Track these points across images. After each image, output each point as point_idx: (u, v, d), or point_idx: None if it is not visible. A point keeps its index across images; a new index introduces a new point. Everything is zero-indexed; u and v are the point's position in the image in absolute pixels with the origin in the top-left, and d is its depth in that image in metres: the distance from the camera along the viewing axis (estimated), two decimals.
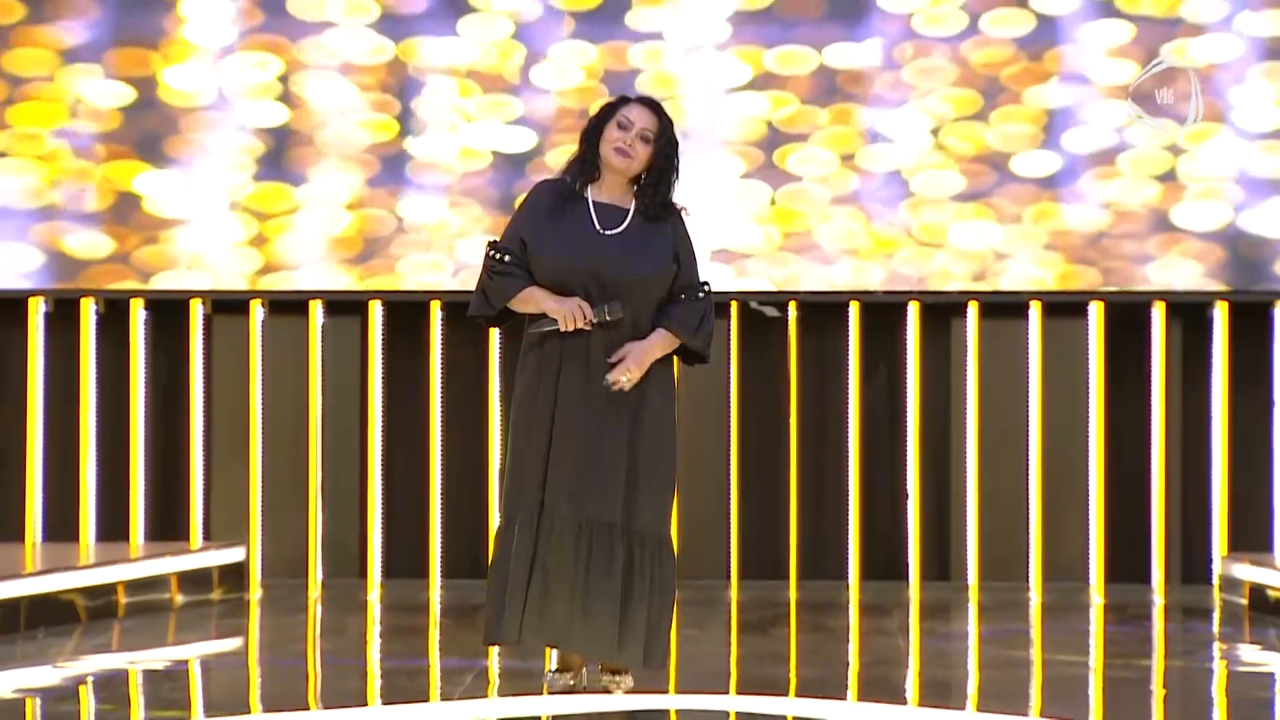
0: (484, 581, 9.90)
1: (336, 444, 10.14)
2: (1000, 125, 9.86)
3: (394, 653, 8.55)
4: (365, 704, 7.22)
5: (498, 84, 9.82)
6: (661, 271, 6.79)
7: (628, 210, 6.81)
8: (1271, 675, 7.99)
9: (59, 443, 10.08)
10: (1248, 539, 10.04)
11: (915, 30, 9.83)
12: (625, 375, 6.68)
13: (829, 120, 9.85)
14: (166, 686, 7.73)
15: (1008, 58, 9.82)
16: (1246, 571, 9.55)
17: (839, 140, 9.86)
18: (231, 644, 8.75)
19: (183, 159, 9.81)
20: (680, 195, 6.88)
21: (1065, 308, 10.07)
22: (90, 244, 9.84)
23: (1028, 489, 10.11)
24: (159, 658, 8.29)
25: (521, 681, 7.31)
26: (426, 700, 7.22)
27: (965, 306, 10.07)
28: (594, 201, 6.81)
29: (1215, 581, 9.95)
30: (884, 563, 10.14)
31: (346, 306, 10.12)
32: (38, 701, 7.29)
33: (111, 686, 7.64)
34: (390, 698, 7.31)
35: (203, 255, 9.88)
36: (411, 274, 9.89)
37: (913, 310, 10.07)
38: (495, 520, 9.90)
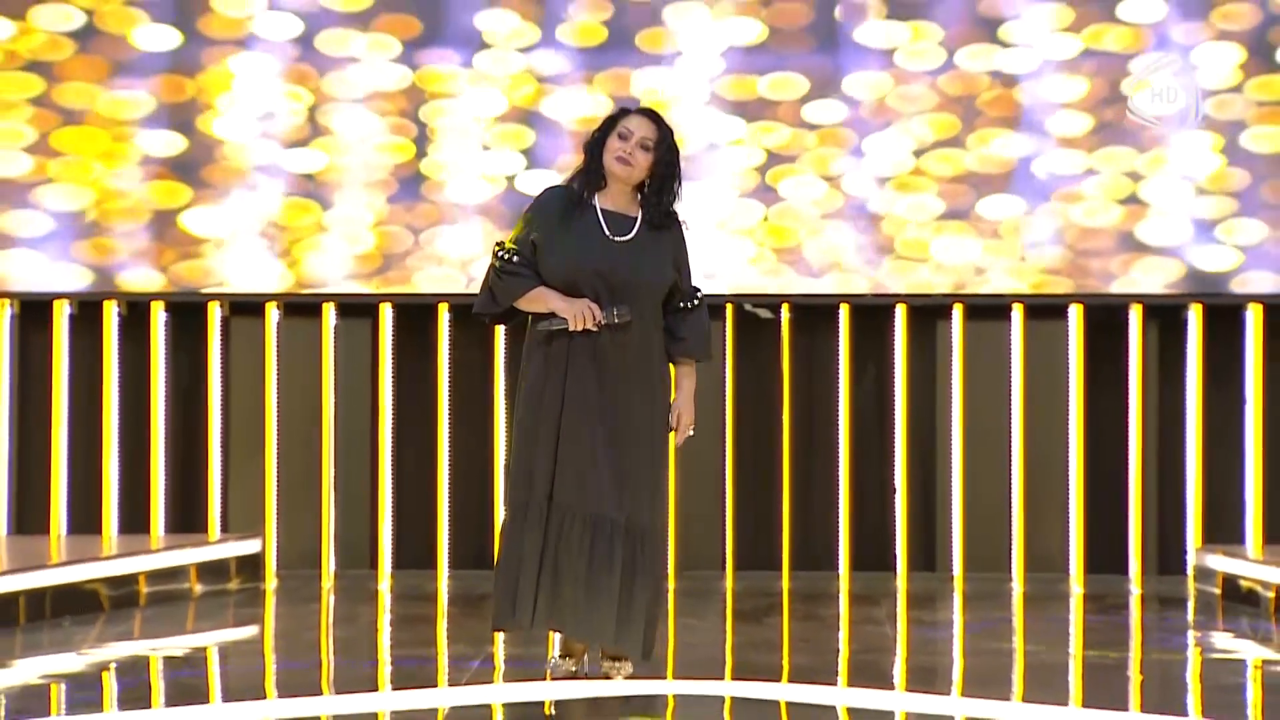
0: (489, 572, 9.91)
1: (348, 441, 10.15)
2: (976, 149, 9.87)
3: (403, 641, 8.55)
4: (376, 689, 7.22)
5: (512, 115, 9.82)
6: (665, 278, 6.80)
7: (635, 218, 6.81)
8: (1244, 662, 7.99)
9: (83, 439, 10.08)
10: (1221, 531, 10.05)
11: (896, 64, 9.84)
12: (689, 430, 6.84)
13: (817, 142, 9.86)
14: (186, 672, 7.73)
15: (984, 87, 9.82)
16: (1219, 563, 9.55)
17: (826, 161, 9.87)
18: (248, 632, 8.75)
19: (219, 183, 9.81)
20: (683, 209, 6.90)
21: (1046, 310, 10.08)
22: (128, 258, 9.84)
23: (1010, 484, 10.12)
24: (178, 645, 8.30)
25: (526, 668, 7.32)
26: (435, 686, 7.23)
27: (950, 309, 10.08)
28: (602, 209, 6.81)
29: (1190, 572, 9.95)
30: (872, 554, 10.14)
31: (358, 309, 10.12)
32: (63, 687, 7.30)
33: (133, 672, 7.64)
34: (400, 684, 7.31)
35: (233, 268, 9.88)
36: (423, 281, 9.90)
37: (900, 313, 10.08)
38: (500, 514, 9.91)
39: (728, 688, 7.09)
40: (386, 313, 10.09)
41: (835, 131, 9.84)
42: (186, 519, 10.13)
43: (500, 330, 9.84)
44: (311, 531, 10.11)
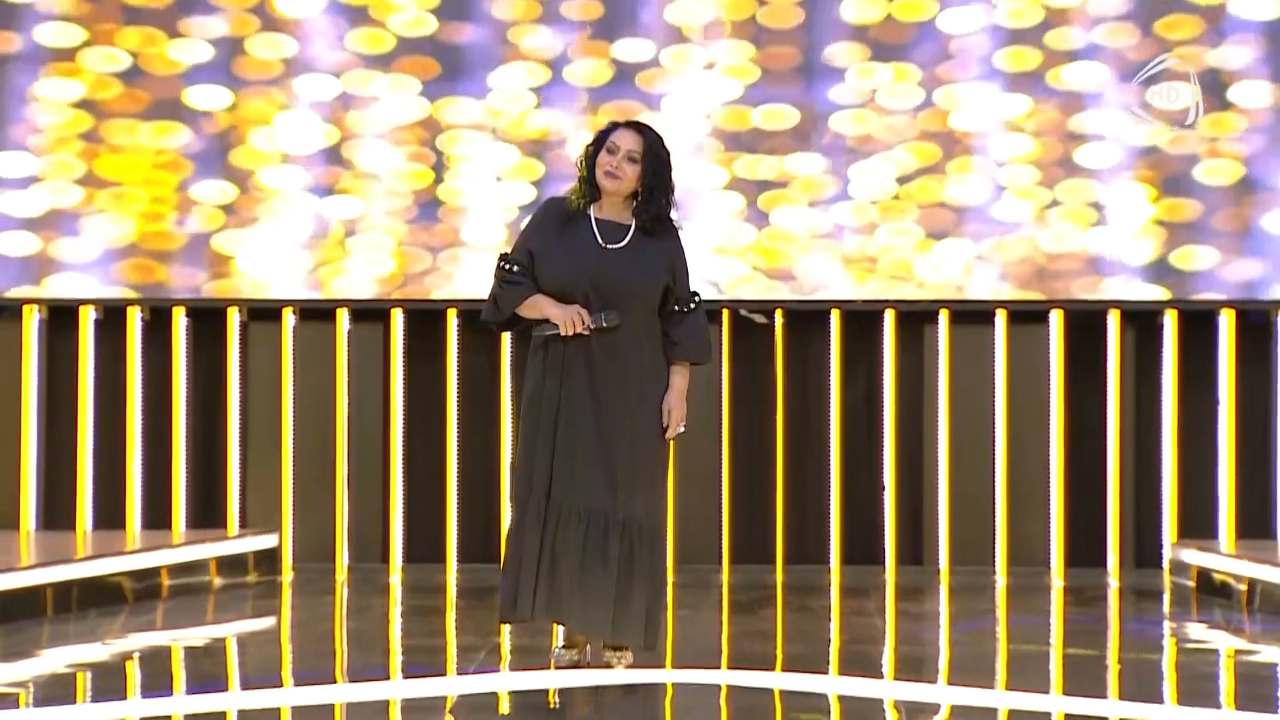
0: (496, 566, 9.90)
1: (361, 441, 10.14)
2: (955, 175, 9.87)
3: (414, 631, 8.55)
4: (388, 678, 7.22)
5: (525, 147, 9.83)
6: (655, 284, 6.81)
7: (628, 227, 6.82)
8: (1217, 651, 7.99)
9: (108, 439, 10.08)
10: (1195, 527, 10.04)
11: (878, 102, 9.84)
12: (679, 425, 6.81)
13: (807, 168, 9.87)
14: (206, 662, 7.73)
15: (958, 122, 9.84)
16: (1194, 557, 9.55)
17: (815, 186, 9.87)
18: (265, 623, 8.75)
19: (248, 210, 9.82)
20: (684, 226, 6.92)
21: (1028, 316, 10.08)
22: (163, 275, 9.85)
23: (994, 481, 10.11)
24: (199, 635, 8.29)
25: (531, 657, 7.31)
26: (444, 674, 7.22)
27: (937, 314, 10.08)
28: (596, 219, 6.83)
29: (1165, 566, 9.95)
30: (862, 549, 10.14)
31: (371, 314, 10.12)
32: (88, 675, 7.30)
33: (156, 662, 7.64)
34: (411, 672, 7.31)
35: (253, 276, 9.89)
36: (433, 288, 9.91)
37: (889, 318, 10.08)
38: (507, 508, 9.91)
39: (724, 676, 7.09)
40: (398, 318, 10.09)
41: (822, 160, 9.84)
42: (206, 515, 10.13)
43: (506, 335, 9.83)
44: (326, 527, 10.11)
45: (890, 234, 9.85)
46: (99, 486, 10.08)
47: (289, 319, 10.09)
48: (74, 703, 6.77)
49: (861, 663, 7.58)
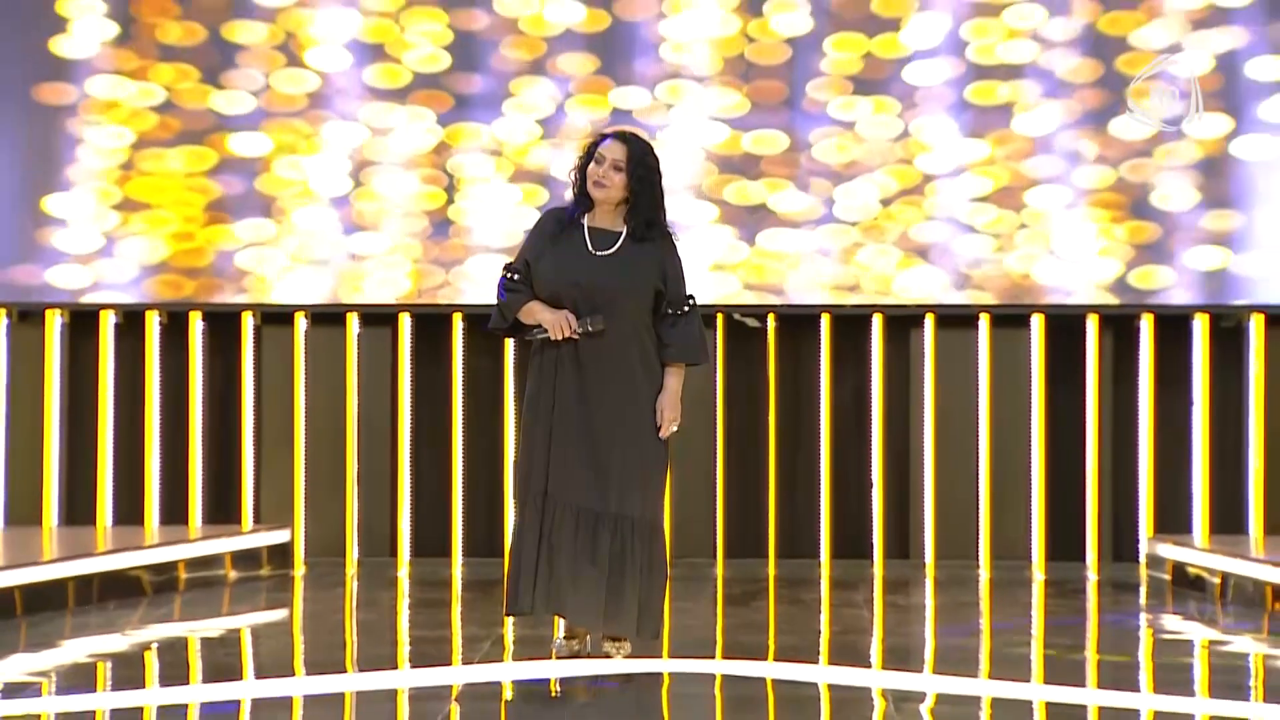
0: (500, 560, 9.91)
1: (371, 439, 10.14)
2: (933, 196, 9.89)
3: (421, 623, 8.55)
4: (396, 667, 7.22)
5: (529, 175, 9.85)
6: (643, 288, 6.81)
7: (619, 234, 6.84)
8: (1191, 642, 7.99)
9: (127, 438, 10.08)
10: (1171, 522, 10.05)
11: (859, 133, 9.86)
12: (672, 425, 6.80)
13: (796, 189, 9.89)
14: (221, 652, 7.73)
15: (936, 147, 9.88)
16: (1169, 551, 9.56)
17: (803, 206, 9.89)
18: (278, 615, 8.75)
19: (273, 230, 9.84)
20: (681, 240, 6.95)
21: (1011, 319, 10.08)
22: (190, 290, 9.88)
23: (978, 478, 10.12)
24: (215, 626, 8.29)
25: (533, 648, 7.32)
26: (450, 664, 7.23)
27: (923, 318, 10.08)
28: (589, 227, 6.85)
29: (1142, 560, 9.96)
30: (851, 543, 10.14)
31: (379, 318, 10.12)
32: (109, 665, 7.30)
33: (173, 652, 7.64)
34: (418, 662, 7.31)
35: (269, 281, 9.90)
36: (438, 294, 9.92)
37: (877, 322, 10.09)
38: (510, 505, 9.91)
39: (719, 666, 7.09)
40: (405, 323, 10.10)
41: (811, 181, 9.86)
42: (222, 511, 10.13)
43: (509, 339, 9.83)
44: (336, 522, 10.11)
45: (872, 255, 9.86)
46: (119, 484, 10.08)
47: (301, 323, 10.10)
48: (95, 691, 6.77)
49: (850, 653, 7.58)
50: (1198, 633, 8.19)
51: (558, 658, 6.96)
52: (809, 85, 9.83)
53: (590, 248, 6.81)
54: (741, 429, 10.14)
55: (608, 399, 6.78)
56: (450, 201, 9.91)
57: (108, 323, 10.05)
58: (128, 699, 6.59)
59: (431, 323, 10.10)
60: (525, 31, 9.85)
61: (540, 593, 6.78)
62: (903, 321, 10.10)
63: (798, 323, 10.11)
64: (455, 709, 6.37)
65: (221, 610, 8.76)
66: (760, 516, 10.13)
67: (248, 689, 6.77)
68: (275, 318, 10.11)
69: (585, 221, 6.86)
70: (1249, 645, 7.82)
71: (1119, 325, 10.11)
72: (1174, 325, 10.03)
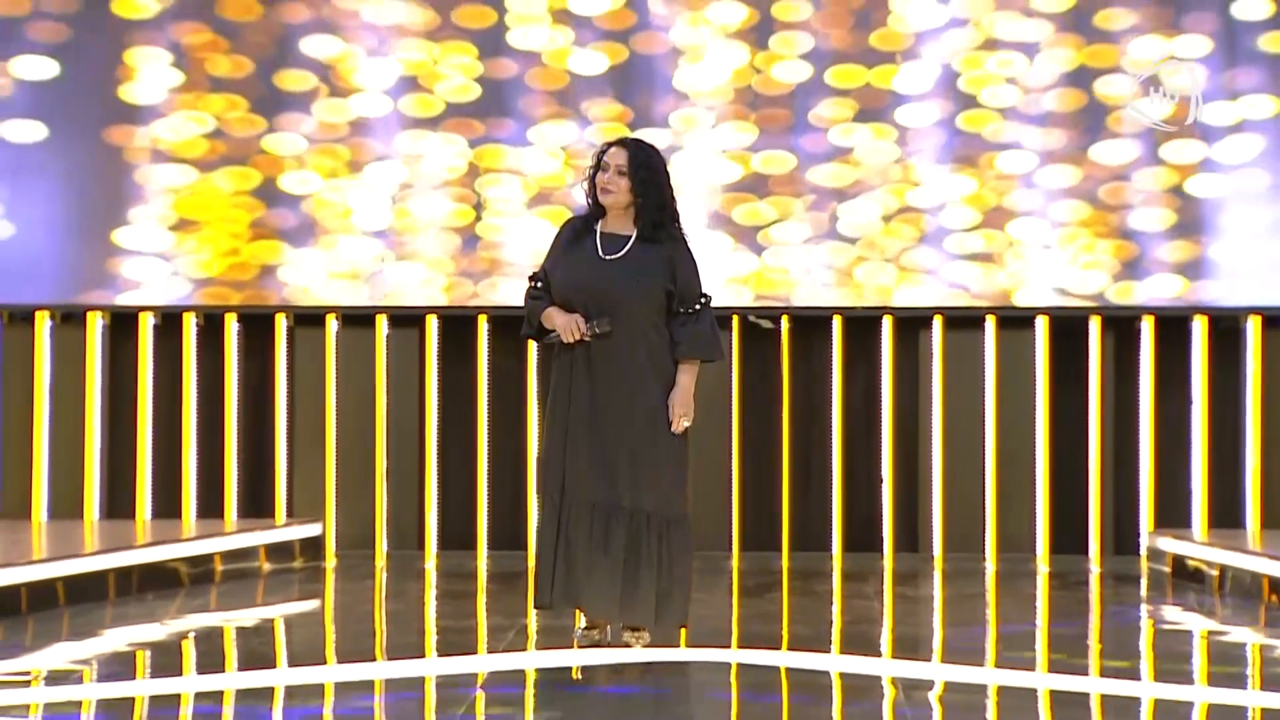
0: (523, 553, 9.93)
1: (399, 436, 10.15)
2: (933, 211, 9.89)
3: (447, 613, 8.56)
4: (423, 656, 7.23)
5: (553, 198, 9.88)
6: (651, 290, 6.81)
7: (628, 237, 6.86)
8: (1190, 632, 7.98)
9: (165, 435, 10.10)
10: (1170, 516, 10.03)
11: (856, 157, 9.87)
12: (683, 420, 6.79)
13: (804, 208, 9.89)
14: (256, 641, 7.74)
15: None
16: (1169, 544, 9.54)
17: (809, 221, 9.91)
18: (310, 605, 8.76)
19: (312, 248, 9.88)
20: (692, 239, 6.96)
21: (1016, 321, 10.07)
22: (237, 300, 9.92)
23: (984, 474, 10.10)
24: (249, 617, 8.30)
25: (556, 637, 7.32)
26: (475, 653, 7.23)
27: (932, 320, 10.07)
28: (601, 233, 6.88)
29: (1143, 553, 9.94)
30: (862, 537, 10.14)
31: (408, 320, 10.14)
32: (148, 654, 7.31)
33: (209, 641, 7.65)
34: (445, 651, 7.32)
35: (302, 288, 9.92)
36: (465, 296, 9.95)
37: (887, 323, 10.08)
38: (533, 500, 9.92)
39: (735, 655, 7.09)
40: (433, 324, 10.11)
41: (816, 199, 9.88)
42: (256, 505, 10.15)
43: (535, 343, 9.83)
44: (366, 517, 10.12)
45: (868, 272, 9.87)
46: (157, 479, 10.10)
47: (332, 325, 10.11)
48: (134, 679, 6.78)
49: (862, 642, 7.58)
50: (1196, 623, 8.17)
51: (579, 647, 6.96)
52: (810, 113, 9.85)
53: (600, 252, 6.83)
54: (756, 427, 10.14)
55: (617, 398, 6.79)
56: (478, 219, 9.95)
57: (147, 325, 10.07)
58: (166, 686, 6.60)
59: (458, 325, 10.11)
60: (549, 65, 9.88)
61: (559, 587, 6.79)
62: (912, 323, 10.10)
63: (810, 324, 10.10)
64: (481, 696, 6.38)
65: (256, 601, 8.77)
66: (774, 511, 10.12)
67: (281, 676, 6.78)
68: (307, 319, 10.12)
69: (599, 228, 6.89)
70: (1246, 635, 7.81)
71: (1120, 327, 10.09)
72: (1173, 327, 10.02)
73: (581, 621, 7.11)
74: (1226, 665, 7.17)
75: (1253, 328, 9.95)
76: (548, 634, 7.46)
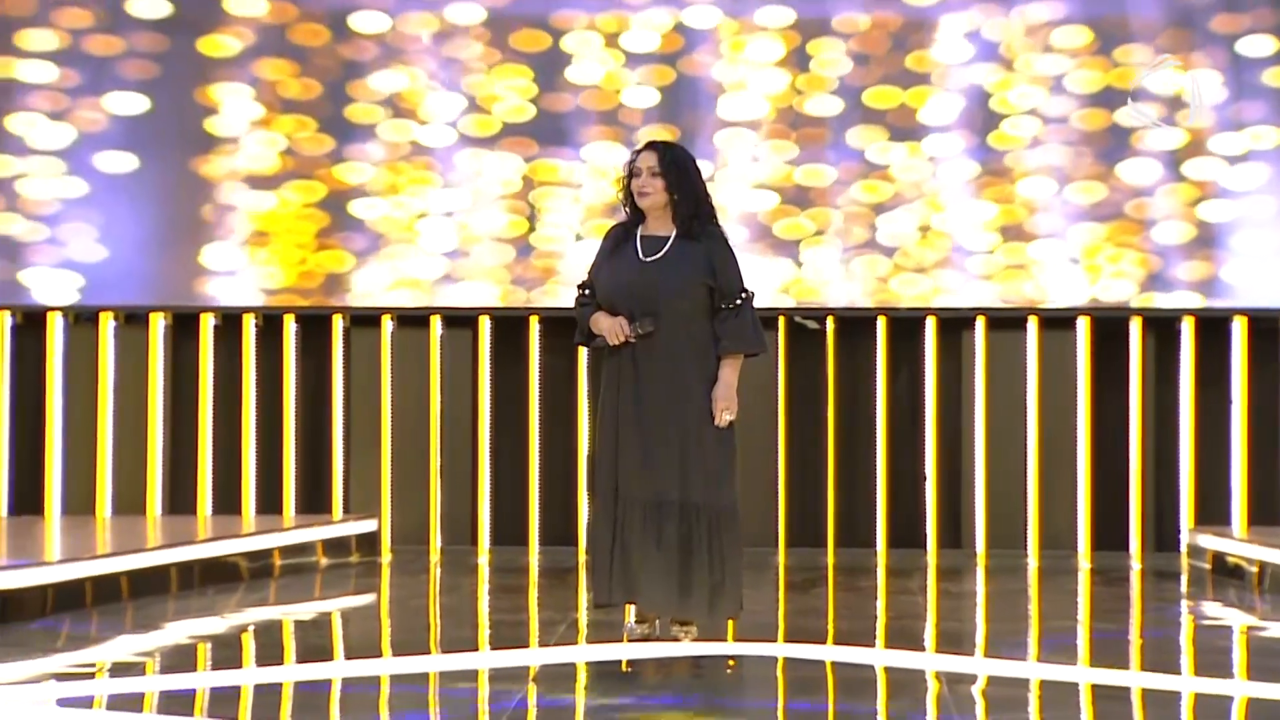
0: (574, 548, 9.94)
1: (453, 434, 10.18)
2: (957, 221, 9.87)
3: (500, 607, 8.57)
4: (477, 649, 7.24)
5: (604, 212, 9.91)
6: (690, 287, 6.81)
7: (668, 237, 6.87)
8: (1230, 628, 7.93)
9: (225, 433, 10.14)
10: (1210, 514, 9.98)
11: (892, 173, 9.86)
12: (726, 414, 6.79)
13: (842, 220, 9.89)
14: (314, 634, 7.76)
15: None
16: (1210, 541, 9.49)
17: (845, 231, 9.91)
18: (367, 599, 8.78)
19: (375, 256, 9.94)
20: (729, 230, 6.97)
21: (1058, 321, 10.04)
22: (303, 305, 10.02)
23: (1026, 472, 10.07)
24: (307, 610, 8.33)
25: (606, 631, 7.32)
26: (527, 646, 7.24)
27: (974, 321, 10.05)
28: (642, 235, 6.89)
29: (1183, 550, 9.89)
30: (906, 533, 10.11)
31: (461, 321, 10.16)
32: (208, 646, 7.34)
33: (268, 634, 7.68)
34: (497, 644, 7.33)
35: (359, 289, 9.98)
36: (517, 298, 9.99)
37: (931, 324, 10.06)
38: (584, 496, 9.94)
39: (781, 649, 7.08)
40: (485, 325, 10.13)
41: (858, 212, 9.87)
42: (313, 501, 10.18)
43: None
44: (421, 513, 10.15)
45: (905, 281, 9.87)
46: (217, 476, 10.15)
47: (388, 325, 10.14)
48: (195, 671, 6.81)
49: (906, 637, 7.56)
50: (1236, 619, 8.13)
51: (629, 641, 6.96)
52: (848, 132, 9.86)
53: (640, 255, 6.84)
54: (802, 425, 10.12)
55: (663, 396, 6.79)
56: (532, 230, 9.99)
57: (207, 325, 10.12)
58: (226, 678, 6.62)
59: (510, 325, 10.13)
60: (601, 87, 9.92)
61: (617, 585, 6.80)
62: (955, 324, 10.07)
63: (854, 325, 10.09)
64: (533, 688, 6.38)
65: (313, 595, 8.80)
66: (820, 508, 10.11)
67: (338, 669, 6.80)
68: (363, 320, 10.16)
69: (639, 232, 6.91)
70: None
71: (1161, 327, 10.04)
72: (1214, 327, 9.96)
73: (631, 616, 7.11)
74: (1266, 660, 7.12)
75: None
76: (598, 628, 7.46)
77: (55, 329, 10.12)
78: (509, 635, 7.59)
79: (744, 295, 6.88)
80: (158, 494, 10.13)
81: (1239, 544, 9.21)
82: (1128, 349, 10.02)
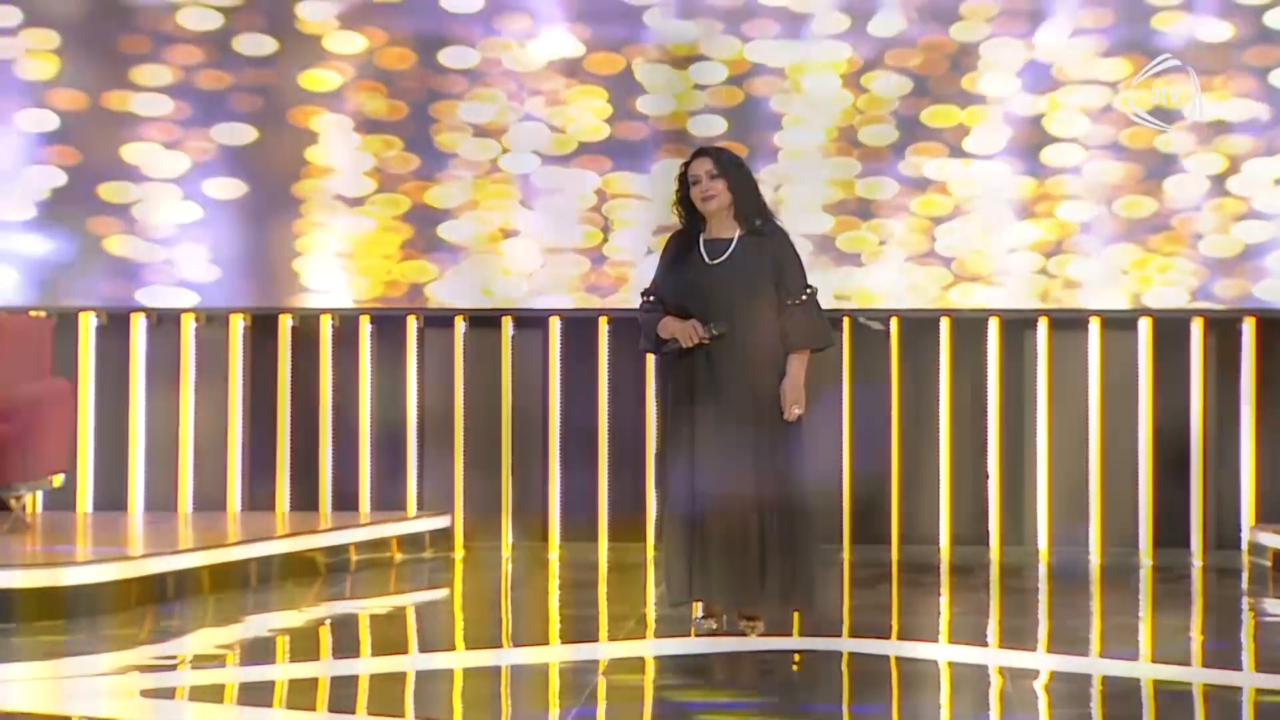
0: (642, 545, 9.95)
1: (524, 433, 10.20)
2: (998, 230, 9.83)
3: (570, 602, 8.59)
4: (548, 643, 7.26)
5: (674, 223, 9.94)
6: (756, 286, 6.83)
7: (731, 239, 6.88)
8: None
9: (303, 433, 10.20)
10: (1272, 512, 9.91)
11: (951, 188, 9.84)
12: (795, 408, 6.80)
13: (904, 230, 9.87)
14: (389, 627, 7.80)
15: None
16: (1271, 539, 9.42)
17: (906, 242, 9.88)
18: (440, 594, 8.82)
19: (456, 269, 10.01)
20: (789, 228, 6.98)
21: (1120, 322, 9.98)
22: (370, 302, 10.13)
23: (1089, 470, 10.02)
24: (383, 604, 8.38)
25: (674, 626, 7.33)
26: (597, 640, 7.26)
27: (1037, 322, 10.01)
28: (705, 240, 6.91)
29: (1244, 547, 9.82)
30: (970, 531, 10.08)
31: (532, 322, 10.19)
32: (287, 639, 7.39)
33: (345, 628, 7.72)
34: (568, 638, 7.35)
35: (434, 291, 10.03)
36: (586, 300, 10.04)
37: (993, 324, 10.03)
38: (652, 494, 9.95)
39: (847, 644, 7.08)
40: (556, 325, 10.16)
41: (918, 223, 9.86)
42: (389, 498, 10.23)
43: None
44: (493, 510, 10.18)
45: (964, 291, 9.83)
46: (295, 473, 10.21)
47: (460, 326, 10.19)
48: (275, 663, 6.86)
49: (969, 633, 7.54)
50: None
51: (697, 635, 6.98)
52: (908, 149, 9.87)
53: (705, 259, 6.86)
54: (867, 424, 10.10)
55: (734, 394, 6.80)
56: (605, 240, 10.04)
57: (285, 326, 10.19)
58: (304, 670, 6.67)
59: (580, 326, 10.15)
60: (675, 103, 9.99)
61: (697, 583, 6.83)
62: (1018, 324, 10.03)
63: (918, 326, 10.06)
64: (603, 681, 6.40)
65: (389, 589, 8.85)
66: (884, 505, 10.09)
67: (413, 662, 6.83)
68: (436, 321, 10.21)
69: (701, 237, 6.93)
70: None
71: (1222, 327, 9.98)
72: (1275, 327, 9.89)
73: (699, 611, 7.12)
74: None
75: None
76: (666, 623, 7.47)
77: (138, 330, 10.22)
78: (579, 630, 7.61)
79: (809, 291, 6.89)
80: (237, 491, 10.20)
81: None
82: (1188, 348, 9.96)
